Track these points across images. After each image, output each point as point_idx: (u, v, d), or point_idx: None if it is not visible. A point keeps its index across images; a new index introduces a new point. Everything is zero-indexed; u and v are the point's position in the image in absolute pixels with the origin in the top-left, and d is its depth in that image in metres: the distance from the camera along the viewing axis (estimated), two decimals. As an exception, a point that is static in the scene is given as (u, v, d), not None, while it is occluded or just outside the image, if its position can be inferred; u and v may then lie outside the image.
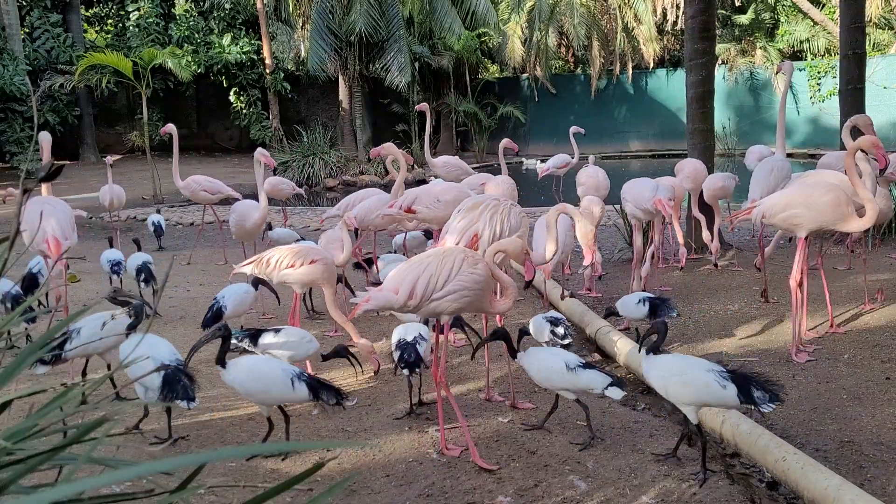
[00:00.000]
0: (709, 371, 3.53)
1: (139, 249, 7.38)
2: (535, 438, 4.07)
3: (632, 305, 5.45)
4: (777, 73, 7.82)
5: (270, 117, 23.56)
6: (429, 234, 7.21)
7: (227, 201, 9.54)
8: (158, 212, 11.00)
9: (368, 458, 3.92)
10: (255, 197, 7.26)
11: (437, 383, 3.95)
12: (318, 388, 3.85)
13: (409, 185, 8.62)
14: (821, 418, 4.26)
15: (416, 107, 10.59)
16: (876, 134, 5.57)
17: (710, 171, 8.61)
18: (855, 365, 5.05)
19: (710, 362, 3.66)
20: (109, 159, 10.88)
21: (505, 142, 9.22)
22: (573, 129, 11.80)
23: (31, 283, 6.12)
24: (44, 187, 6.33)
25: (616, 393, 3.88)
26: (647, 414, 4.46)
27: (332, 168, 18.54)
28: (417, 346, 4.37)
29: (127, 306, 4.16)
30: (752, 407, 3.48)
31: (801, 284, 5.26)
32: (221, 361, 3.90)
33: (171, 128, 10.28)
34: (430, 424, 4.31)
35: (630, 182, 6.75)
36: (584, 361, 4.00)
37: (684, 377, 3.58)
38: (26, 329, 5.35)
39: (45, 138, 6.38)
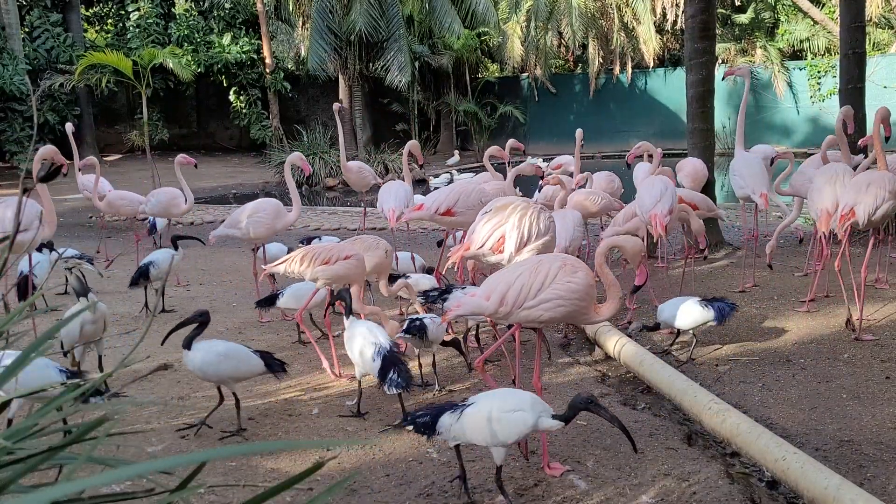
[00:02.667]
0: (251, 352, 4.17)
1: (51, 251, 7.07)
2: (535, 438, 4.06)
3: (697, 310, 5.13)
4: (724, 77, 8.35)
5: (270, 117, 23.56)
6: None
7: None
8: None
9: (368, 457, 3.92)
10: (254, 198, 7.21)
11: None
12: None
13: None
14: (820, 417, 4.26)
15: (334, 105, 10.07)
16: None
17: (711, 170, 8.62)
18: (855, 364, 5.05)
19: (247, 349, 4.23)
20: (182, 159, 8.38)
21: (493, 150, 8.22)
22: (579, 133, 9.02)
23: (26, 284, 6.10)
24: None
25: None
26: (647, 413, 4.46)
27: (332, 167, 18.52)
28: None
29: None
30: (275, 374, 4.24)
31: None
32: None
33: (68, 127, 10.74)
34: (430, 424, 4.31)
35: (644, 182, 6.47)
36: None
37: (227, 355, 4.09)
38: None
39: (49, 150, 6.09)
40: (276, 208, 6.65)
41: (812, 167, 7.12)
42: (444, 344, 4.86)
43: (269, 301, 5.95)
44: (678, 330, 5.31)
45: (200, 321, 4.20)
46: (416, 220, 6.40)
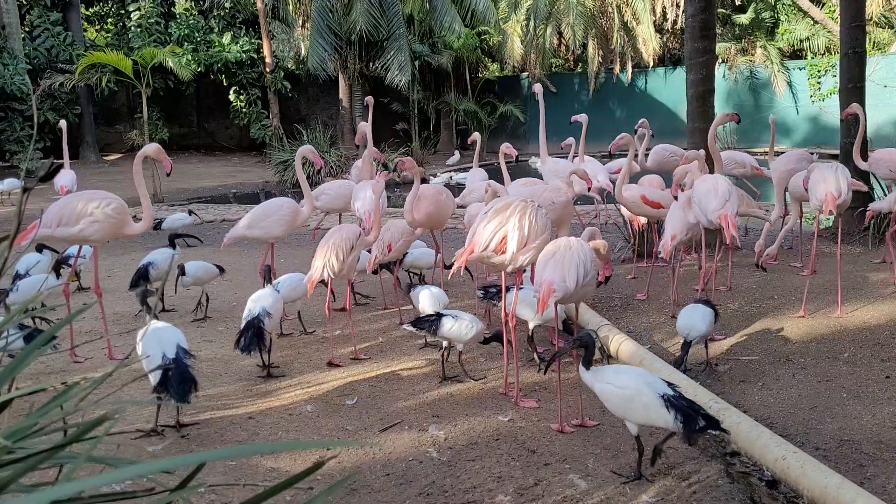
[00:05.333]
0: None
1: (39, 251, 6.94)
2: (535, 437, 4.07)
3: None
4: (536, 92, 8.67)
5: (270, 116, 23.55)
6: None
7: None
8: (190, 213, 10.81)
9: (368, 456, 3.92)
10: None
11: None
12: None
13: (405, 184, 8.59)
14: (820, 417, 4.26)
15: (367, 98, 9.84)
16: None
17: (711, 169, 8.60)
18: (855, 363, 5.05)
19: None
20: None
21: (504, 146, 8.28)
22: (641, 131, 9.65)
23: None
24: None
25: None
26: (647, 413, 4.45)
27: (332, 167, 18.53)
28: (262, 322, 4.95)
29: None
30: None
31: None
32: None
33: (62, 124, 10.85)
34: (431, 423, 4.32)
35: (701, 182, 6.05)
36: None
37: None
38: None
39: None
40: (294, 206, 6.58)
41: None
42: (486, 341, 4.98)
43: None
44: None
45: None
46: None
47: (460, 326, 4.84)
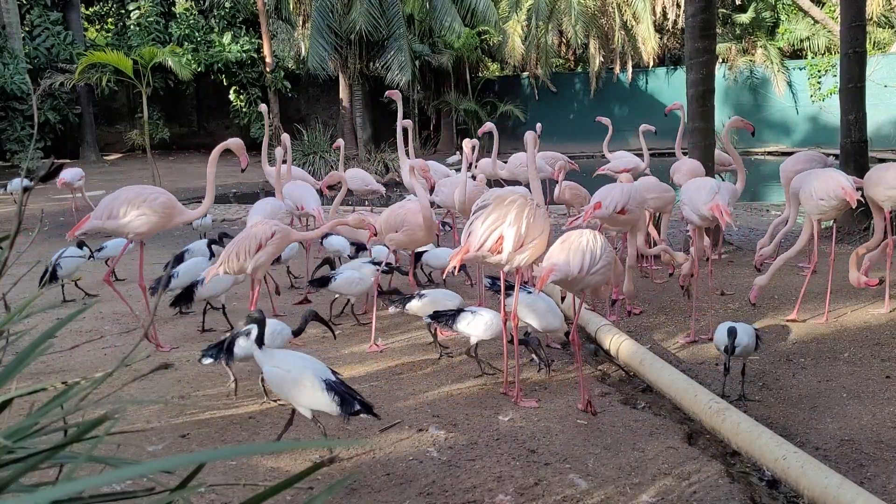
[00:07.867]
0: None
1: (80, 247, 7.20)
2: (535, 437, 4.07)
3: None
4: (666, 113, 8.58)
5: (271, 116, 23.56)
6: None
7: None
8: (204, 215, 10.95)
9: (368, 456, 3.92)
10: (254, 197, 7.27)
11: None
12: None
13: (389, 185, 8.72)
14: (821, 417, 4.27)
15: (261, 106, 10.34)
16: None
17: (710, 169, 8.60)
18: (855, 363, 5.05)
19: None
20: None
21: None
22: (643, 127, 9.91)
23: (53, 276, 6.42)
24: None
25: None
26: (647, 413, 4.46)
27: (332, 167, 18.54)
28: None
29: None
30: None
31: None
32: None
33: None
34: (431, 423, 4.32)
35: (689, 183, 6.08)
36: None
37: None
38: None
39: None
40: (283, 205, 7.03)
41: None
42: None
43: (321, 282, 6.20)
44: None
45: None
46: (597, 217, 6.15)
47: (484, 327, 4.86)
